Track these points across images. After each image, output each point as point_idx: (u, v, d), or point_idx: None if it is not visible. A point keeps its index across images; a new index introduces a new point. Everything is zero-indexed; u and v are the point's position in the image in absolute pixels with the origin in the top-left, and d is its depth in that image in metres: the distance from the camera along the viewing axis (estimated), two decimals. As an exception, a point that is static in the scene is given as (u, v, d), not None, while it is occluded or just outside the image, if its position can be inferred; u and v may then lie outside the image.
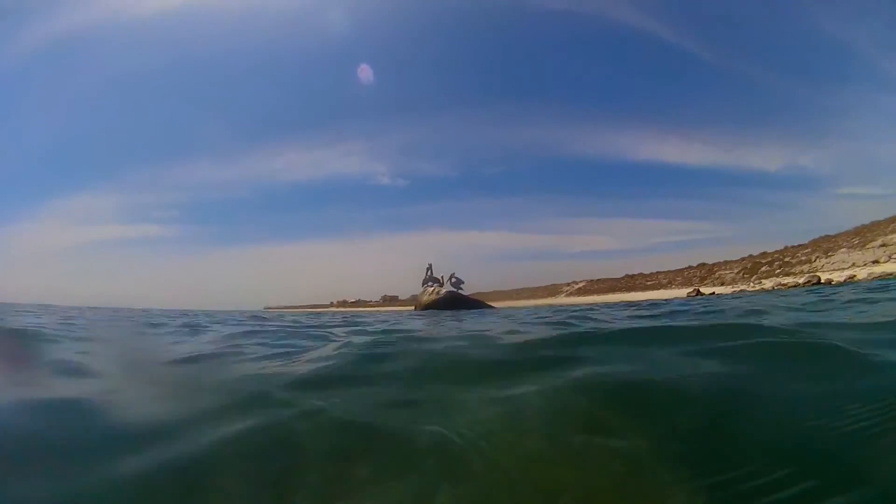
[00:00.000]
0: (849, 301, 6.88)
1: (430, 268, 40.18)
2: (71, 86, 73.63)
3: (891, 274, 27.48)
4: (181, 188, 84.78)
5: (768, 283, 36.71)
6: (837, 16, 55.43)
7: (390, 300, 62.90)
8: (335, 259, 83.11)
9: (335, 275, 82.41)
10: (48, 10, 60.91)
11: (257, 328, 6.68)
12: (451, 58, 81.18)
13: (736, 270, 42.29)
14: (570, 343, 2.82)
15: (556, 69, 79.40)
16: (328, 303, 68.01)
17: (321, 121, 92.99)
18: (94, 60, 70.87)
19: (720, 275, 43.48)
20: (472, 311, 23.26)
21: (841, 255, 34.36)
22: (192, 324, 7.95)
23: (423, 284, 40.20)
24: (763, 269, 39.51)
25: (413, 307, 39.55)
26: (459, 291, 38.05)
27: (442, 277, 39.39)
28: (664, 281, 48.62)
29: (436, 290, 37.85)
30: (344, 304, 66.87)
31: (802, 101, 65.87)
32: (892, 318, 3.69)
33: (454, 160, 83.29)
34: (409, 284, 40.59)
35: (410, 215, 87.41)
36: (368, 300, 66.69)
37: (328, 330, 6.07)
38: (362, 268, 78.44)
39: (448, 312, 21.87)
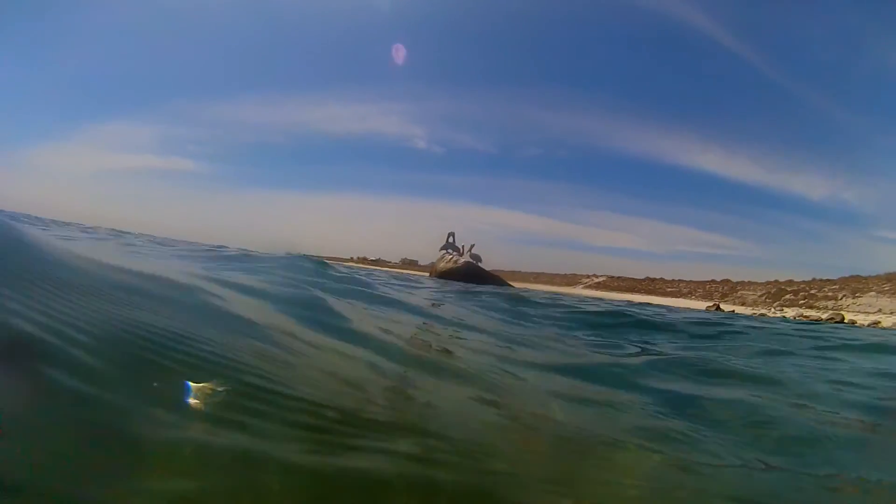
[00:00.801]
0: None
1: (451, 235, 38.82)
2: (122, 14, 73.01)
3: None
4: (218, 125, 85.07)
5: (790, 312, 37.24)
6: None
7: (410, 264, 63.87)
8: (360, 215, 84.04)
9: (358, 230, 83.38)
10: None
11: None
12: (506, 35, 79.93)
13: (759, 293, 42.85)
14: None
15: (611, 61, 78.01)
16: (348, 257, 69.12)
17: (367, 76, 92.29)
18: None
19: (742, 294, 44.06)
20: (489, 286, 22.47)
21: (869, 299, 34.90)
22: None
23: (440, 250, 38.74)
24: (787, 296, 40.07)
25: (429, 273, 37.68)
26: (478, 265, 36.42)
27: (462, 248, 38.03)
28: (685, 290, 49.26)
29: (454, 258, 36.07)
30: (364, 260, 67.89)
31: (855, 134, 64.62)
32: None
33: (494, 136, 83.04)
34: (429, 251, 40.57)
35: (441, 183, 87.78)
36: (388, 260, 67.78)
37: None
38: (386, 228, 79.30)
39: (464, 284, 21.16)
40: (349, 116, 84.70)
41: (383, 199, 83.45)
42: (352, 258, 68.73)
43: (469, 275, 31.81)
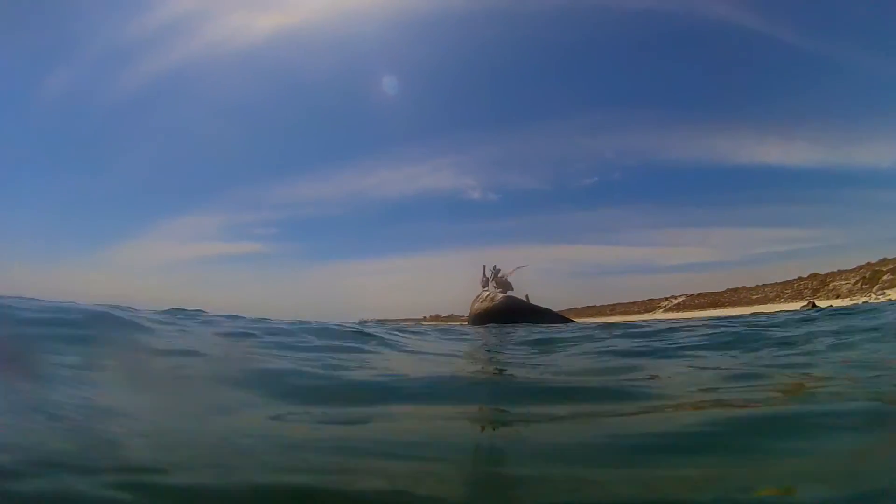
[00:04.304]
0: None
1: (486, 269, 31.66)
2: (178, 115, 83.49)
3: None
4: (279, 207, 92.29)
5: (895, 294, 34.64)
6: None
7: (482, 316, 64.12)
8: (428, 274, 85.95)
9: (428, 289, 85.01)
10: (159, 48, 70.73)
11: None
12: (540, 69, 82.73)
13: (853, 280, 40.24)
14: None
15: (645, 73, 77.97)
16: (421, 317, 70.73)
17: (412, 136, 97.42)
18: (199, 91, 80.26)
19: (835, 286, 41.51)
20: (542, 325, 17.03)
21: (979, 259, 32.16)
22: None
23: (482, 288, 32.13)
24: (885, 277, 37.45)
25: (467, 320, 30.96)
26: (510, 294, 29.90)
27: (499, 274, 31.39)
28: (771, 294, 46.95)
29: (491, 295, 29.86)
30: (437, 318, 69.16)
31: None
32: None
33: (546, 173, 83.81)
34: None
35: (502, 229, 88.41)
36: (461, 315, 68.62)
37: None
38: (454, 283, 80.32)
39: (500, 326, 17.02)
40: (401, 178, 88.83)
41: (447, 255, 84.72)
42: (424, 317, 70.28)
43: (510, 313, 26.49)
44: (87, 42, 73.13)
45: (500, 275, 30.16)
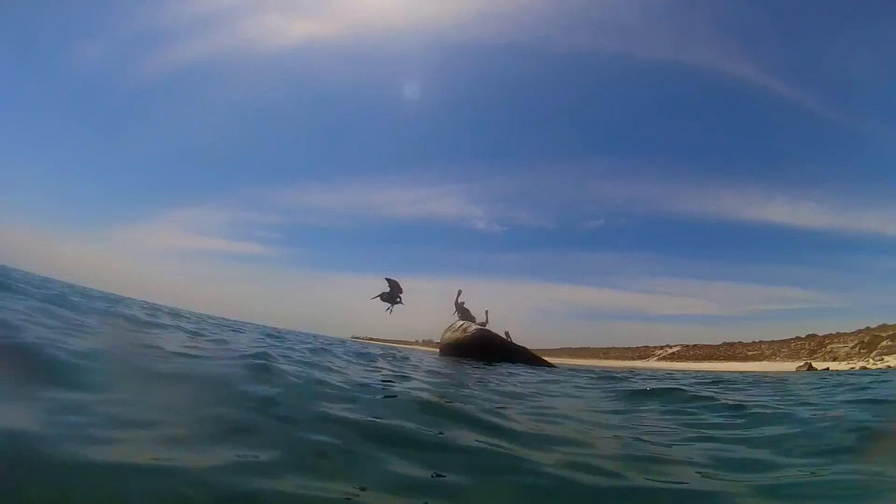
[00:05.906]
0: None
1: (458, 294, 28.77)
2: (199, 107, 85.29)
3: None
4: (286, 211, 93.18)
5: (893, 361, 34.17)
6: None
7: (474, 345, 63.32)
8: (426, 297, 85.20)
9: (424, 313, 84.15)
10: (191, 38, 72.03)
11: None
12: (558, 111, 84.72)
13: (851, 344, 39.75)
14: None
15: (662, 124, 79.74)
16: (414, 340, 69.92)
17: (426, 159, 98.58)
18: (223, 87, 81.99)
19: (832, 348, 40.97)
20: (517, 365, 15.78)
21: (979, 332, 31.82)
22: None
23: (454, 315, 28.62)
24: (884, 343, 37.00)
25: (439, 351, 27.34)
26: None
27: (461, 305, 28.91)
28: (768, 352, 46.28)
29: (464, 325, 26.85)
30: (429, 343, 68.32)
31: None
32: None
33: (553, 211, 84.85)
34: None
35: (504, 262, 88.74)
36: (457, 342, 67.68)
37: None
38: (450, 309, 79.58)
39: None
40: (410, 200, 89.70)
41: (447, 281, 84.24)
42: (417, 341, 69.52)
43: (483, 348, 23.45)
44: (121, 20, 75.03)
45: (459, 300, 27.55)
